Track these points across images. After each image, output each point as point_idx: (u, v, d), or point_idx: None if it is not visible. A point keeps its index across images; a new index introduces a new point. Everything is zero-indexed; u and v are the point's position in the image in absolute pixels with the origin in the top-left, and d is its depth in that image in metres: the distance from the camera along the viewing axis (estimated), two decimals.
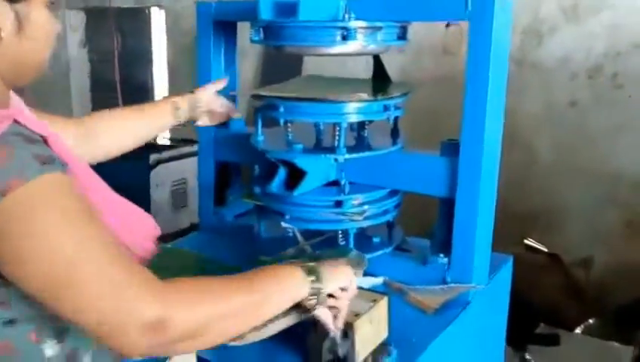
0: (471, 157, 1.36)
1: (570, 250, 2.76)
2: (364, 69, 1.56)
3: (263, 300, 0.97)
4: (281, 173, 1.44)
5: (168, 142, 3.93)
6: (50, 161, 0.84)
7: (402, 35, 1.49)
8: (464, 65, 1.34)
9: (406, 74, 3.09)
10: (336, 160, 1.46)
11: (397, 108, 1.49)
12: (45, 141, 0.89)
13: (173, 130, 4.16)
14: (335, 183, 1.53)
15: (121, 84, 4.33)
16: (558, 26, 2.85)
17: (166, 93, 4.30)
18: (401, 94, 1.49)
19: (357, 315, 1.11)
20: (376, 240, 1.59)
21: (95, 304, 0.81)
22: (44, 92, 4.76)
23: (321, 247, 1.48)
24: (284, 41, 1.43)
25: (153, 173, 3.38)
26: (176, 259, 1.62)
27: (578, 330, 2.56)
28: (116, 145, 1.41)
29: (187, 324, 0.85)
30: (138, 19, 4.32)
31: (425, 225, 1.52)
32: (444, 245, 1.46)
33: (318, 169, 1.47)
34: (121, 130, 1.42)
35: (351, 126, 1.57)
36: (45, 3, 0.95)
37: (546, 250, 2.74)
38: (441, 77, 2.88)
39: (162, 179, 3.41)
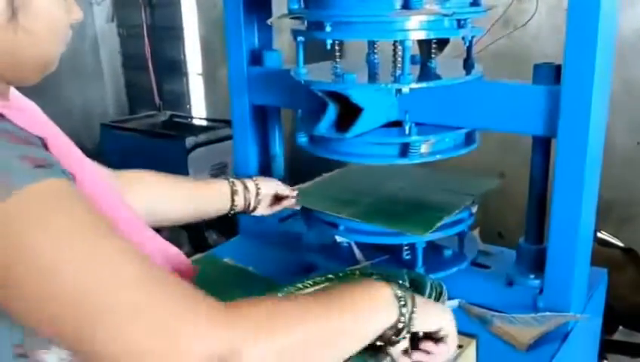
0: (578, 82, 1.06)
1: None
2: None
3: (353, 326, 0.75)
4: (331, 110, 1.19)
5: (204, 123, 3.71)
6: (49, 165, 0.65)
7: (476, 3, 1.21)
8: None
9: (457, 49, 2.78)
10: (399, 91, 1.18)
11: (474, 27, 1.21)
12: (45, 146, 0.69)
13: (209, 106, 4.06)
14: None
15: (152, 60, 4.14)
16: None
17: (200, 70, 4.09)
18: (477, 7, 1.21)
19: None
20: (447, 253, 1.34)
21: (142, 344, 0.60)
22: (76, 70, 4.59)
23: (383, 266, 1.23)
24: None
25: (190, 158, 3.17)
26: (215, 271, 1.40)
27: None
28: (152, 217, 1.11)
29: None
30: None
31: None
32: (535, 256, 1.22)
33: (376, 104, 1.20)
34: (167, 200, 1.19)
35: (413, 59, 1.30)
36: None
37: (621, 244, 2.44)
38: (500, 53, 2.55)
39: (200, 163, 3.19)
